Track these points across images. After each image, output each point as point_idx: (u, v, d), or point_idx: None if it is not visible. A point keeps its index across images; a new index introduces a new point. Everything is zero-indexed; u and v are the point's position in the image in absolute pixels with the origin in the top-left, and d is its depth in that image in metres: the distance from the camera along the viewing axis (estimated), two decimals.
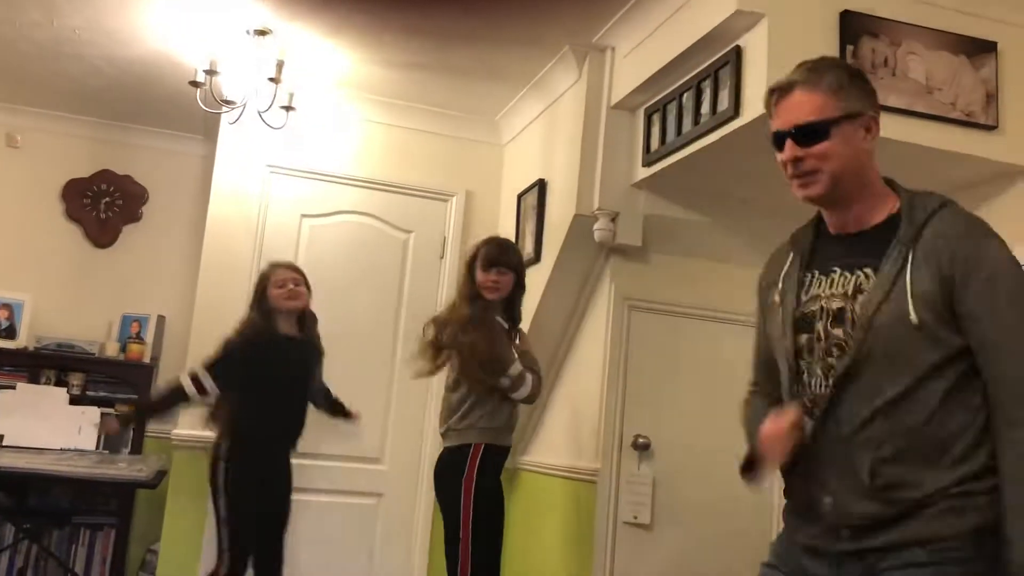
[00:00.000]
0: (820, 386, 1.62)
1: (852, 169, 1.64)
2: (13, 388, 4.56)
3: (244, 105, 3.89)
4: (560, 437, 4.04)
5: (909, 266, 1.55)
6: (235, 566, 3.45)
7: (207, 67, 3.75)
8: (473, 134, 4.74)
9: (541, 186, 4.15)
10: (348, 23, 3.75)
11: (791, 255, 1.78)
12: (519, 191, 4.39)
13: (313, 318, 3.75)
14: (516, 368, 3.20)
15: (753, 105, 2.80)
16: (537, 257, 4.06)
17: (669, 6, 3.19)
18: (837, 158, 1.62)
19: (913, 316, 1.52)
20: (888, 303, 1.55)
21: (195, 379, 3.47)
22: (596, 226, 3.62)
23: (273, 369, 3.54)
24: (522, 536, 4.11)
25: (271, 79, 3.81)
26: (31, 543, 4.50)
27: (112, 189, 5.16)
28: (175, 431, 4.20)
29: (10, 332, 4.78)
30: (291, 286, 3.60)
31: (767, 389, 1.85)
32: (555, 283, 3.89)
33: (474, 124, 4.71)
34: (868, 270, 1.60)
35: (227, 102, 3.89)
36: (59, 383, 4.73)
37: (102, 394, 4.79)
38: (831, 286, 1.64)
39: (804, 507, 1.67)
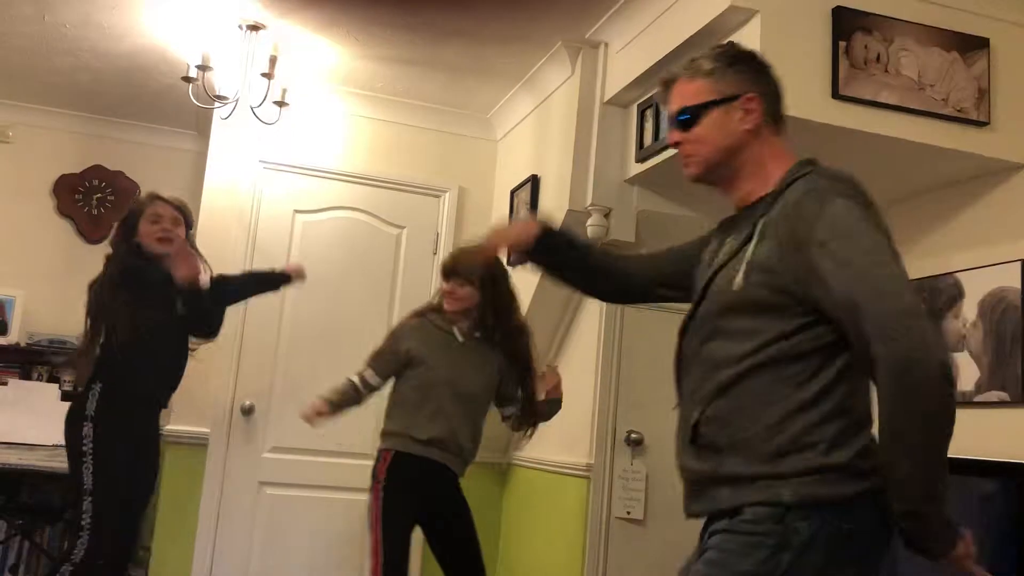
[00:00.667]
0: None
1: (727, 151, 1.70)
2: (5, 384, 4.55)
3: (236, 101, 3.88)
4: (553, 433, 4.04)
5: (756, 234, 1.58)
6: (94, 552, 2.95)
7: (199, 62, 3.74)
8: (466, 130, 4.73)
9: (534, 182, 4.15)
10: (340, 18, 3.75)
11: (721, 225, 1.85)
12: (512, 187, 4.39)
13: (198, 292, 3.14)
14: None
15: None
16: None
17: (662, 2, 3.19)
18: (709, 142, 1.70)
19: (739, 281, 1.56)
20: (725, 270, 1.62)
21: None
22: (589, 222, 3.63)
23: (155, 304, 3.06)
24: (515, 531, 4.12)
25: (264, 74, 3.80)
26: (23, 539, 4.49)
27: (104, 185, 5.15)
28: (168, 427, 4.19)
29: (1, 328, 4.76)
30: (167, 224, 3.13)
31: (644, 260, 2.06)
32: (547, 279, 3.89)
33: (467, 120, 4.71)
34: (731, 240, 1.68)
35: (219, 97, 3.88)
36: (51, 379, 4.72)
37: None
38: (717, 257, 1.71)
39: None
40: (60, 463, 3.97)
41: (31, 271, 4.96)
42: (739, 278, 1.57)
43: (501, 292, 3.12)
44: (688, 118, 1.71)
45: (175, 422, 4.16)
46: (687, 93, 1.72)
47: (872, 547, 1.51)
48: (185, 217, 3.25)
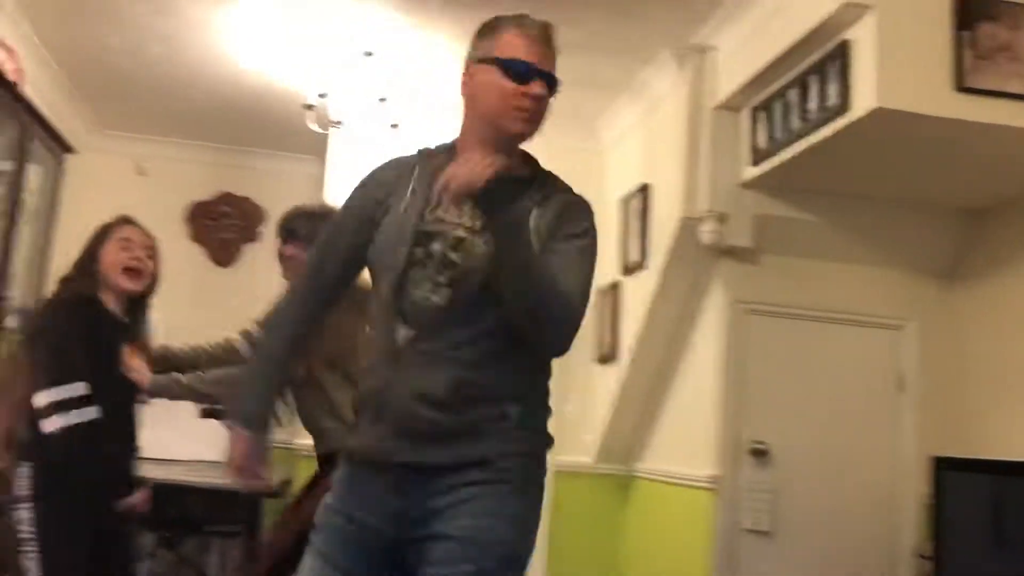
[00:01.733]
0: (423, 299, 1.67)
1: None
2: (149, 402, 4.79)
3: (352, 125, 4.01)
4: (674, 444, 4.00)
5: (531, 220, 1.66)
6: None
7: (319, 90, 3.88)
8: (572, 140, 4.73)
9: (645, 190, 4.12)
10: (450, 37, 3.82)
11: (417, 171, 1.81)
12: (621, 195, 4.37)
13: (144, 308, 2.71)
14: None
15: (864, 99, 2.72)
16: (644, 262, 4.04)
17: (771, 3, 3.13)
18: (545, 112, 1.72)
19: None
20: (491, 239, 1.63)
21: (60, 405, 2.38)
22: (704, 228, 3.58)
23: (100, 358, 2.48)
24: (637, 545, 4.08)
25: (381, 99, 3.92)
26: (168, 550, 4.73)
27: (232, 210, 5.39)
28: (296, 440, 4.34)
29: None
30: (138, 252, 2.57)
31: (316, 290, 1.86)
32: (664, 288, 3.86)
33: (573, 130, 4.71)
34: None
35: (335, 123, 4.02)
36: None
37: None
38: (459, 216, 1.68)
39: (372, 417, 1.69)
40: (199, 477, 4.17)
41: (168, 294, 5.20)
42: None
43: None
44: (552, 85, 1.71)
45: (303, 435, 4.29)
46: (552, 62, 1.72)
47: None
48: (157, 252, 2.70)
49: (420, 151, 1.87)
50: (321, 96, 3.88)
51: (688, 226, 3.63)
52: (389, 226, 1.76)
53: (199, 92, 4.54)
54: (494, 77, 1.69)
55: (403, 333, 1.67)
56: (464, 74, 1.74)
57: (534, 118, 1.71)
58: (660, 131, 4.04)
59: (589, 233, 1.76)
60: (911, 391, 3.72)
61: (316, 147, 5.07)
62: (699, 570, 3.57)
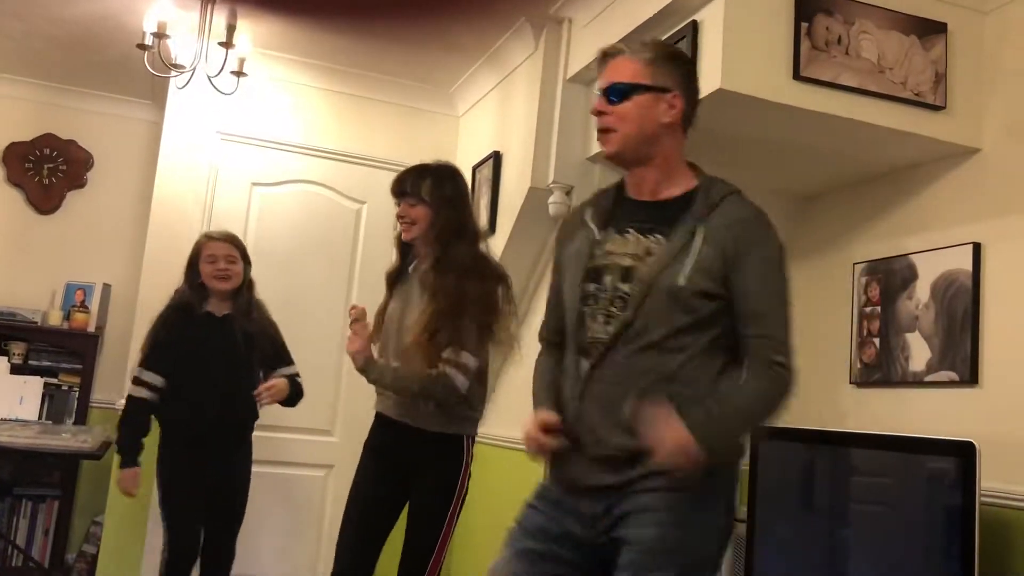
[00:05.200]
0: (600, 332, 1.78)
1: (645, 136, 1.81)
2: None
3: (194, 70, 3.80)
4: (515, 410, 4.05)
5: (697, 239, 1.75)
6: (171, 559, 3.29)
7: (155, 30, 3.65)
8: (427, 104, 4.69)
9: (496, 158, 4.13)
10: None
11: (588, 212, 1.92)
12: (474, 163, 4.36)
13: (248, 300, 3.48)
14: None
15: (709, 79, 2.80)
16: (492, 229, 4.05)
17: None
18: (632, 122, 1.79)
19: (682, 280, 1.72)
20: (670, 268, 1.74)
21: (137, 380, 3.36)
22: (551, 199, 3.62)
23: (189, 351, 3.34)
24: (472, 509, 4.12)
25: (221, 44, 3.73)
26: None
27: (56, 154, 5.03)
28: (120, 401, 4.13)
29: None
30: (222, 264, 3.38)
31: (555, 339, 2.00)
32: (509, 256, 3.89)
33: (429, 95, 4.67)
34: (660, 236, 1.78)
35: (176, 66, 3.80)
36: (0, 353, 4.63)
37: (45, 363, 4.70)
38: (624, 245, 1.79)
39: (571, 445, 1.82)
40: (9, 437, 3.90)
41: None
42: (684, 275, 1.73)
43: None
44: (621, 93, 1.80)
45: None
46: (624, 70, 1.81)
47: None
48: (240, 251, 3.47)
49: (593, 195, 1.97)
50: (157, 36, 3.66)
51: (536, 196, 3.66)
52: (568, 265, 1.87)
53: (23, 23, 4.19)
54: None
55: (584, 366, 1.78)
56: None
57: (607, 136, 1.83)
58: (514, 101, 4.05)
59: (771, 254, 1.81)
60: None
61: (151, 91, 4.80)
62: None
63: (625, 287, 1.75)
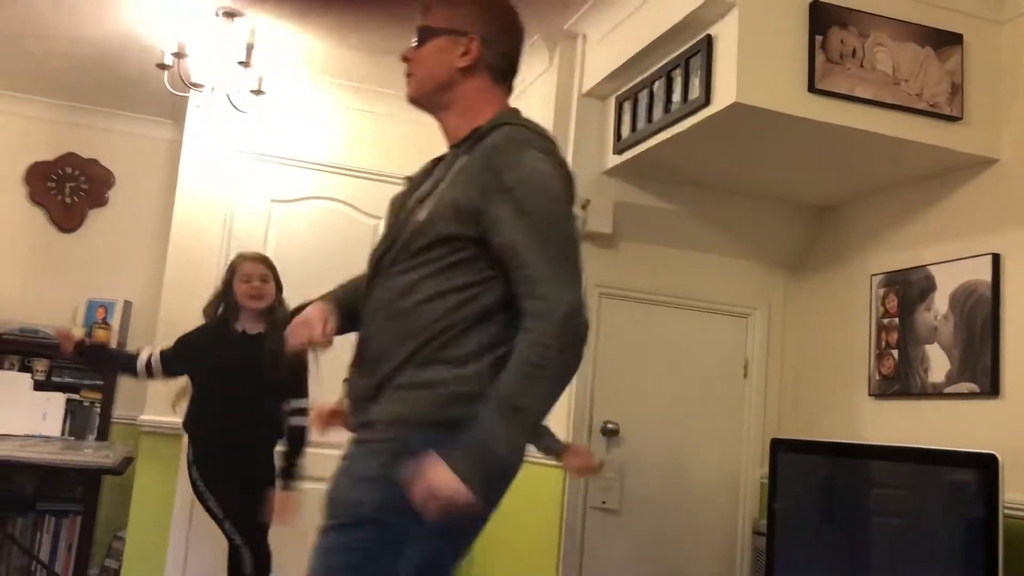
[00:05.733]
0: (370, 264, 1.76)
1: (440, 81, 1.74)
2: None
3: (212, 89, 3.85)
4: None
5: (451, 172, 1.64)
6: (252, 554, 3.39)
7: (175, 49, 3.70)
8: None
9: None
10: (316, 7, 3.72)
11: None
12: None
13: (274, 318, 3.49)
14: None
15: (724, 94, 2.82)
16: None
17: None
18: (426, 66, 1.75)
19: (423, 215, 1.63)
20: (422, 205, 1.65)
21: (149, 358, 3.54)
22: None
23: (216, 366, 3.44)
24: (491, 522, 4.12)
25: (240, 63, 3.77)
26: None
27: (77, 173, 5.09)
28: (142, 417, 4.16)
29: None
30: (256, 282, 3.48)
31: None
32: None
33: None
34: (435, 179, 1.71)
35: (195, 85, 3.85)
36: (23, 369, 4.67)
37: (67, 380, 4.74)
38: (418, 190, 1.75)
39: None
40: (32, 453, 3.94)
41: (3, 259, 4.90)
42: (424, 213, 1.63)
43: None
44: (421, 38, 1.76)
45: (148, 412, 4.13)
46: (428, 14, 1.78)
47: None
48: (272, 272, 3.57)
49: None
50: (176, 55, 3.71)
51: None
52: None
53: (44, 43, 4.25)
54: None
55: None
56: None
57: (407, 80, 1.79)
58: (529, 115, 4.05)
59: (525, 174, 1.59)
60: (754, 376, 3.90)
61: (171, 110, 4.86)
62: (547, 546, 3.65)
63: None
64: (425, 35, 1.75)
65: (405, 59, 1.78)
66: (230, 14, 3.77)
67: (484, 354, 1.58)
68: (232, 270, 3.55)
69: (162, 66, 3.77)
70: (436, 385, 1.57)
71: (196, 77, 3.85)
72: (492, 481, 1.56)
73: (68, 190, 5.07)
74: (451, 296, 1.60)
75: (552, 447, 2.71)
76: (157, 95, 4.32)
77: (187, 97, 4.02)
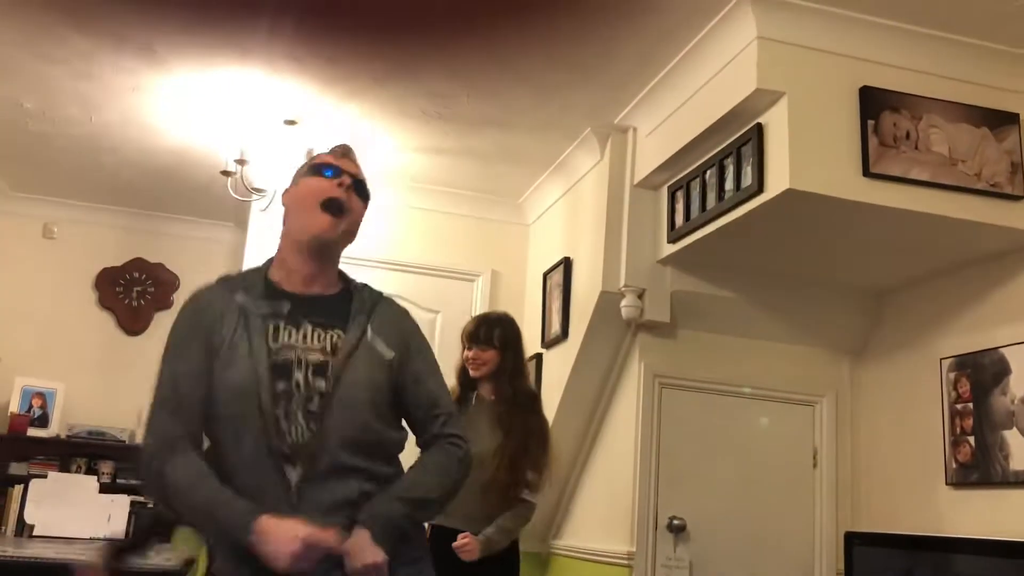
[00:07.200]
0: (301, 433, 1.67)
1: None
2: (45, 477, 4.57)
3: (275, 193, 3.97)
4: (592, 519, 3.97)
5: (369, 333, 1.81)
6: None
7: (237, 157, 3.84)
8: (498, 215, 4.79)
9: (567, 264, 4.16)
10: (375, 112, 3.84)
11: (238, 298, 1.80)
12: (544, 270, 4.41)
13: None
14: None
15: (777, 180, 2.82)
16: (565, 334, 4.06)
17: (690, 86, 3.24)
18: (360, 220, 2.00)
19: (364, 372, 1.75)
20: (352, 361, 1.74)
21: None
22: (623, 303, 3.62)
23: None
24: None
25: None
26: None
27: (144, 277, 5.25)
28: None
29: (43, 420, 4.81)
30: None
31: (192, 437, 1.73)
32: (583, 360, 3.87)
33: (499, 205, 4.77)
34: (339, 332, 1.78)
35: (257, 190, 3.97)
36: (90, 471, 4.74)
37: (132, 482, 4.78)
38: (305, 340, 1.75)
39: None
40: (93, 556, 3.95)
41: (73, 363, 5.04)
42: (367, 368, 1.76)
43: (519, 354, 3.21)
44: (365, 192, 2.01)
45: None
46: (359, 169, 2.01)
47: None
48: None
49: (228, 278, 1.94)
50: (239, 162, 3.84)
51: (608, 300, 3.67)
52: (228, 356, 1.74)
53: (113, 156, 4.45)
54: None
55: (292, 474, 1.65)
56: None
57: (352, 229, 2.03)
58: (582, 207, 4.11)
59: (421, 336, 1.97)
60: (825, 466, 3.78)
61: (234, 214, 5.01)
62: None
63: (320, 383, 1.69)
64: (368, 195, 2.09)
65: (345, 191, 2.02)
66: (290, 122, 3.91)
67: None
68: None
69: (226, 173, 3.90)
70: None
71: (258, 182, 3.98)
72: None
73: (135, 294, 5.22)
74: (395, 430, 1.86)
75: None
76: (221, 200, 4.47)
77: (250, 201, 4.14)
